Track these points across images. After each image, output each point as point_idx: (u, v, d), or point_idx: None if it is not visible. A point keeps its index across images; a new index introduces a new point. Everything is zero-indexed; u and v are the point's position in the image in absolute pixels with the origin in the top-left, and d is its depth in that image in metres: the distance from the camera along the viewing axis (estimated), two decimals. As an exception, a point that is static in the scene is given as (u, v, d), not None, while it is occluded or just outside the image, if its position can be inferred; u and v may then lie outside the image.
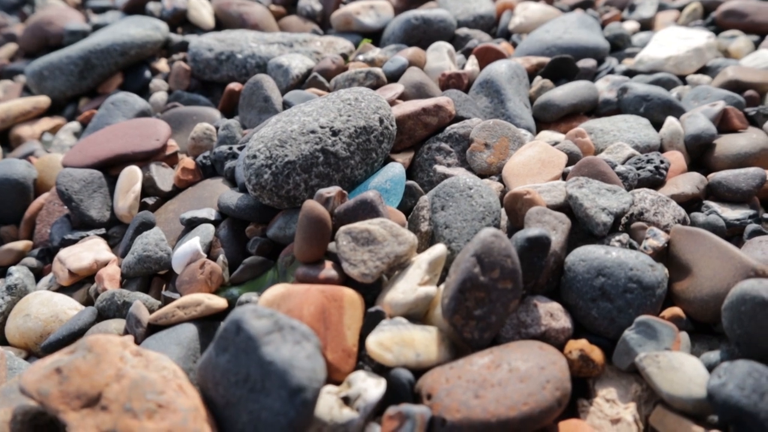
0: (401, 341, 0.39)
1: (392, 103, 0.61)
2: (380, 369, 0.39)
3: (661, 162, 0.53)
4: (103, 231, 0.60)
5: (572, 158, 0.55)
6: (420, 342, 0.39)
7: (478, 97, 0.65)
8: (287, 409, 0.33)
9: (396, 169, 0.53)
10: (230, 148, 0.61)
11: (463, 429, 0.35)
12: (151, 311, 0.48)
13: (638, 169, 0.53)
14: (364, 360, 0.40)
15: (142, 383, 0.34)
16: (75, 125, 0.79)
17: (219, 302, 0.46)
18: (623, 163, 0.55)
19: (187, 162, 0.62)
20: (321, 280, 0.43)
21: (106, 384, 0.34)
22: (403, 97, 0.64)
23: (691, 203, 0.51)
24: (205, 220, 0.54)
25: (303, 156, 0.49)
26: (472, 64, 0.72)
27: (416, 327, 0.40)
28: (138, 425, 0.32)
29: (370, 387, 0.37)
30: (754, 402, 0.34)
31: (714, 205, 0.49)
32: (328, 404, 0.36)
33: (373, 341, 0.38)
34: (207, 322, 0.47)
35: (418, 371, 0.39)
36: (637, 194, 0.49)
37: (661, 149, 0.59)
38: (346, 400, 0.36)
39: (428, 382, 0.38)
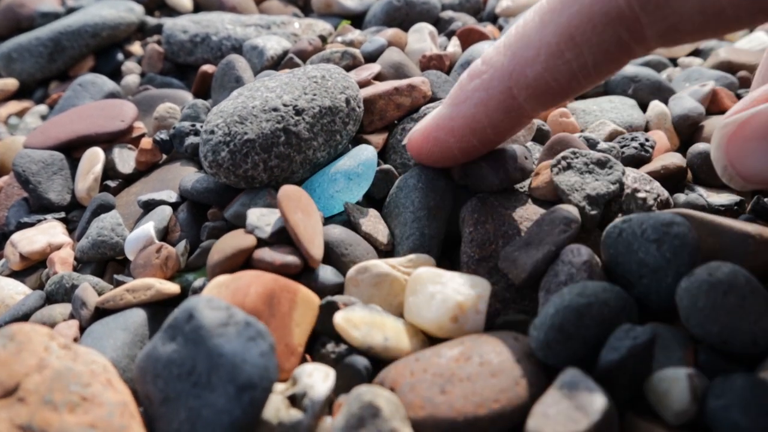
0: (371, 322, 0.36)
1: (367, 83, 0.58)
2: (337, 360, 0.36)
3: (646, 140, 0.50)
4: (62, 215, 0.57)
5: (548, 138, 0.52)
6: (391, 328, 0.37)
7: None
8: (232, 407, 0.30)
9: (368, 152, 0.49)
10: (192, 125, 0.58)
11: (427, 427, 0.32)
12: (101, 295, 0.45)
13: (622, 147, 0.50)
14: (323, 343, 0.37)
15: (66, 374, 0.31)
16: (42, 108, 0.76)
17: (171, 287, 0.43)
18: (606, 141, 0.52)
19: (145, 142, 0.59)
20: (277, 265, 0.40)
21: (26, 374, 0.31)
22: (379, 77, 0.60)
23: (675, 182, 0.48)
24: (163, 202, 0.51)
25: (263, 135, 0.46)
26: (454, 46, 0.69)
27: (389, 316, 0.38)
28: (57, 419, 0.29)
29: (317, 383, 0.34)
30: (764, 424, 0.30)
31: (698, 189, 0.46)
32: (275, 405, 0.33)
33: (341, 317, 0.36)
34: (158, 307, 0.44)
35: (383, 359, 0.36)
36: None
37: (647, 130, 0.56)
38: (293, 399, 0.33)
39: (392, 374, 0.35)
